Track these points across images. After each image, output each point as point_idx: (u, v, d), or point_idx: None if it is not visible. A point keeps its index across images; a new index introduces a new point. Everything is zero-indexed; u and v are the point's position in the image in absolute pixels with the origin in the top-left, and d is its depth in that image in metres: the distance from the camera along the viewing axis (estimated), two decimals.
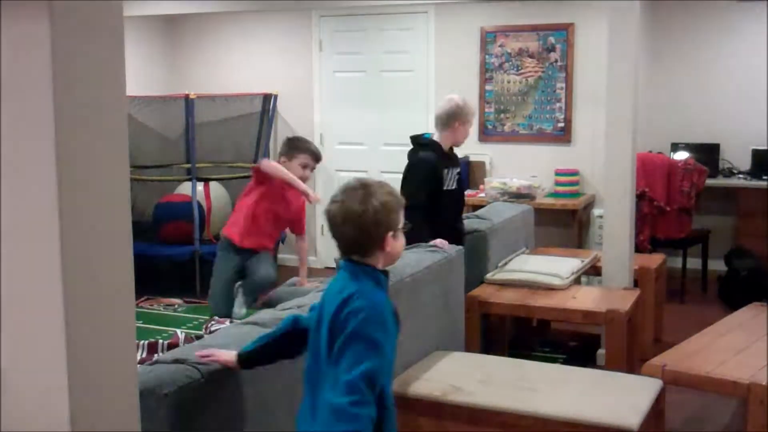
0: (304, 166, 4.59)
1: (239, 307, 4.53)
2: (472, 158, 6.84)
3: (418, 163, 4.25)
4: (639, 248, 5.38)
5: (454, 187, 4.32)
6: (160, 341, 4.18)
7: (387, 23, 7.16)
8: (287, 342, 2.30)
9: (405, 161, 4.43)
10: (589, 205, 6.58)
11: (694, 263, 6.38)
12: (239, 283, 4.63)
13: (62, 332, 1.47)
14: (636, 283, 4.68)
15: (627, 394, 3.06)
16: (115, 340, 1.59)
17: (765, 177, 6.37)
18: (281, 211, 4.68)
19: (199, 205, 6.68)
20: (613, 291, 4.41)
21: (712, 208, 6.56)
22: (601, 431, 2.83)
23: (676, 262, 6.23)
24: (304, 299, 2.96)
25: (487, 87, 6.87)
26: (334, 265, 4.27)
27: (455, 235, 4.15)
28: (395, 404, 2.20)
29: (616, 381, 3.25)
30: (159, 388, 2.08)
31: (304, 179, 4.53)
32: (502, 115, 6.85)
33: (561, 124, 6.68)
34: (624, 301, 4.13)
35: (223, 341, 2.41)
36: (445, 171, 4.26)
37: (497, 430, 3.01)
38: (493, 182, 6.39)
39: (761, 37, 6.49)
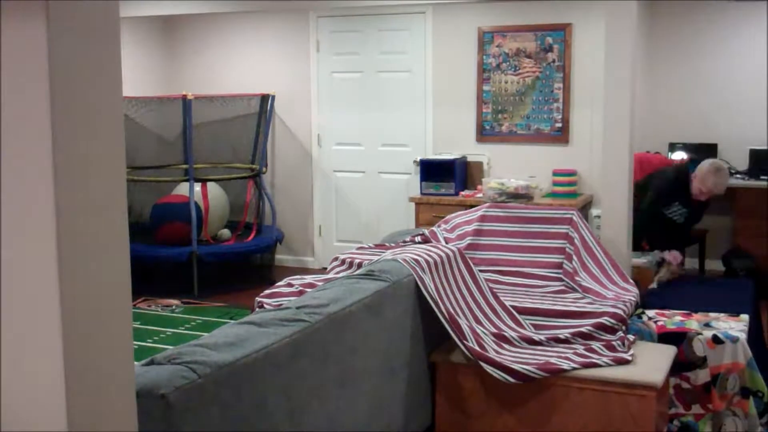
0: None
1: None
2: (469, 158, 6.85)
3: None
4: (637, 248, 5.39)
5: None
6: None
7: (384, 24, 7.16)
8: None
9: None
10: (587, 205, 6.58)
11: (691, 263, 6.38)
12: None
13: (59, 333, 1.47)
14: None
15: (650, 358, 3.44)
16: (112, 341, 1.58)
17: (763, 177, 6.37)
18: None
19: (197, 206, 6.68)
20: None
21: (710, 208, 6.55)
22: (631, 388, 3.23)
23: None
24: (304, 299, 2.96)
25: (485, 87, 6.87)
26: (329, 265, 4.24)
27: None
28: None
29: (641, 347, 3.60)
30: (156, 388, 2.07)
31: None
32: (499, 116, 6.85)
33: (559, 124, 6.68)
34: None
35: (222, 341, 2.41)
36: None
37: (534, 390, 3.34)
38: (490, 182, 6.39)
39: (760, 37, 6.50)
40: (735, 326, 3.75)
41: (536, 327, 3.73)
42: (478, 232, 4.45)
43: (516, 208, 4.57)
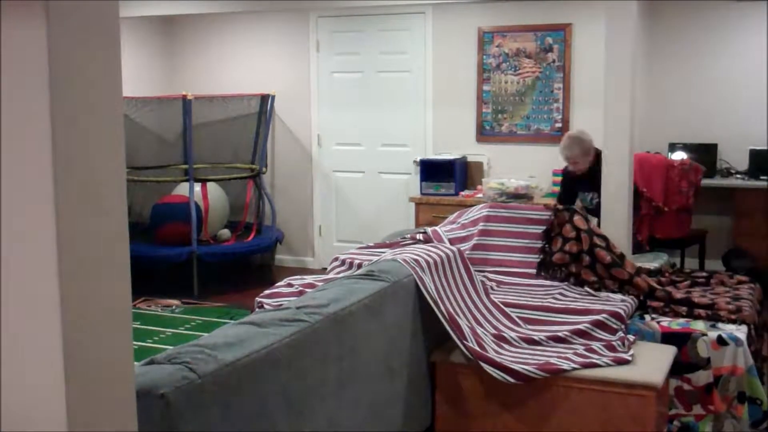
0: None
1: None
2: (469, 159, 6.84)
3: None
4: (637, 248, 5.39)
5: None
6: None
7: (384, 24, 7.16)
8: None
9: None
10: None
11: (691, 263, 6.38)
12: None
13: (59, 333, 1.47)
14: None
15: (651, 358, 3.44)
16: (111, 341, 1.58)
17: (763, 177, 6.37)
18: None
19: (197, 206, 6.68)
20: None
21: (710, 208, 6.56)
22: (631, 388, 3.22)
23: (675, 262, 6.23)
24: (303, 299, 2.96)
25: (485, 87, 6.87)
26: (329, 265, 4.24)
27: None
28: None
29: (641, 347, 3.58)
30: (156, 388, 2.07)
31: None
32: (499, 116, 6.85)
33: (558, 125, 6.68)
34: None
35: (222, 341, 2.40)
36: None
37: (534, 390, 3.32)
38: (490, 183, 6.39)
39: (760, 37, 6.50)
40: (741, 328, 3.73)
41: (537, 322, 3.73)
42: (483, 233, 4.45)
43: (519, 208, 4.57)
